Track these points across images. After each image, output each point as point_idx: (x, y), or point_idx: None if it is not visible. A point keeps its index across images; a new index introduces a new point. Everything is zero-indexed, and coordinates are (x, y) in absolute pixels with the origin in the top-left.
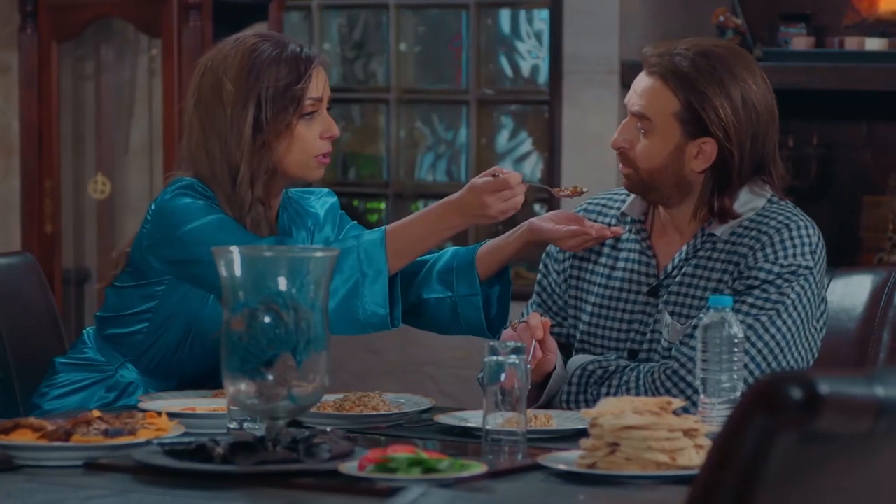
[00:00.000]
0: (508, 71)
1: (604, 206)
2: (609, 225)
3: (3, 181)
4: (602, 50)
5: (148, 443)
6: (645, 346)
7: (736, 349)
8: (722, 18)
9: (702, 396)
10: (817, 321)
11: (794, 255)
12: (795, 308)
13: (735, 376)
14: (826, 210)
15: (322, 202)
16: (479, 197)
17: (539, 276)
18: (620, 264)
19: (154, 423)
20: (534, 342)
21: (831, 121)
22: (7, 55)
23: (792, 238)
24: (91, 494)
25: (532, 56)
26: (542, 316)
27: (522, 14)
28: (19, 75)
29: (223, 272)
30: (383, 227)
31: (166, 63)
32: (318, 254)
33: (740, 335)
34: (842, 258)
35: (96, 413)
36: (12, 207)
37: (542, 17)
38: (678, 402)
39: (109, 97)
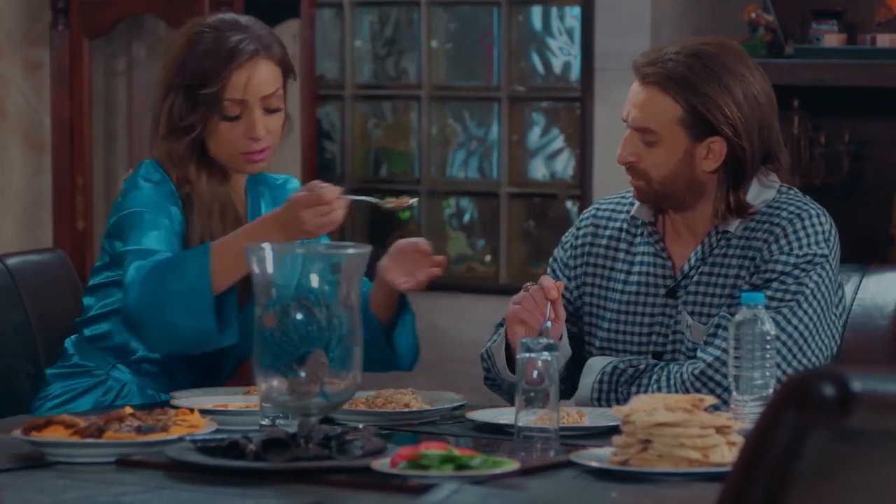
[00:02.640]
0: (540, 68)
1: (612, 211)
2: (620, 230)
3: (34, 178)
4: (633, 46)
5: (180, 439)
6: (668, 347)
7: (768, 346)
8: (753, 15)
9: (734, 394)
10: (836, 307)
11: (809, 245)
12: (815, 297)
13: (767, 374)
14: (857, 207)
15: (292, 185)
16: (294, 212)
17: None
18: (636, 268)
19: (186, 420)
20: (548, 303)
21: (863, 118)
22: (39, 52)
23: (805, 228)
24: (123, 491)
25: (564, 53)
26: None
27: (554, 11)
28: (51, 72)
29: (255, 269)
30: (209, 243)
31: None
32: (350, 251)
33: (772, 332)
34: (873, 256)
35: (129, 410)
36: (44, 204)
37: (573, 14)
38: (710, 399)
39: (141, 94)
